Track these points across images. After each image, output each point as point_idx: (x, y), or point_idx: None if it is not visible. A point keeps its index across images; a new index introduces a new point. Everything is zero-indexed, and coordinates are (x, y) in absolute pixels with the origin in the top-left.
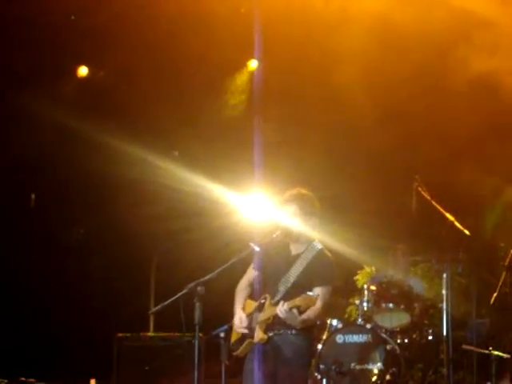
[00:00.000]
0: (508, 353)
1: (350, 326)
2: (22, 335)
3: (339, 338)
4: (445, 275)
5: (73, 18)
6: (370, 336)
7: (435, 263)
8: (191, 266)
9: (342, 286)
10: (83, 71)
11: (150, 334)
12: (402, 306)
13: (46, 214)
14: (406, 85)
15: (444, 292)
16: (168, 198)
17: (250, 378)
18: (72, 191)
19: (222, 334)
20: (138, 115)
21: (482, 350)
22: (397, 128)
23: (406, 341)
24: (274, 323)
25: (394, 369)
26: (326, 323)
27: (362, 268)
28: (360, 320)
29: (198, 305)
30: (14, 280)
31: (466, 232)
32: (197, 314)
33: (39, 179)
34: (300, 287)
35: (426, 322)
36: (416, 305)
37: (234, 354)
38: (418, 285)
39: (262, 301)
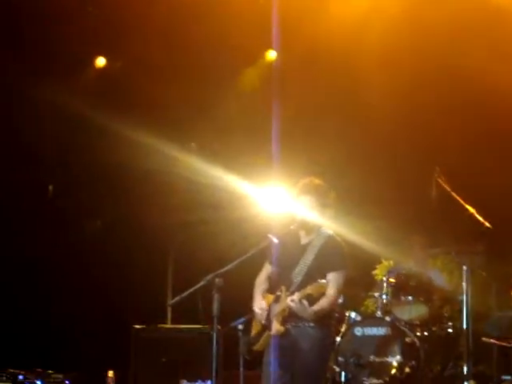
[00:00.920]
0: None
1: (368, 319)
2: (39, 327)
3: (358, 331)
4: (464, 267)
5: (90, 8)
6: (388, 329)
7: (455, 255)
8: (209, 258)
9: (360, 279)
10: (101, 62)
11: (168, 325)
12: (421, 299)
13: (63, 205)
14: (426, 75)
15: (464, 284)
16: (185, 190)
17: (267, 371)
18: (89, 183)
19: (240, 326)
20: (155, 106)
21: (503, 343)
22: (417, 118)
23: (425, 333)
24: (291, 315)
25: (413, 362)
26: (345, 316)
27: (380, 262)
28: (379, 313)
29: (216, 297)
30: (33, 271)
31: (487, 224)
32: (215, 306)
33: (56, 170)
34: (313, 275)
35: (445, 314)
36: (435, 297)
37: (254, 348)
38: (437, 277)
39: (279, 293)
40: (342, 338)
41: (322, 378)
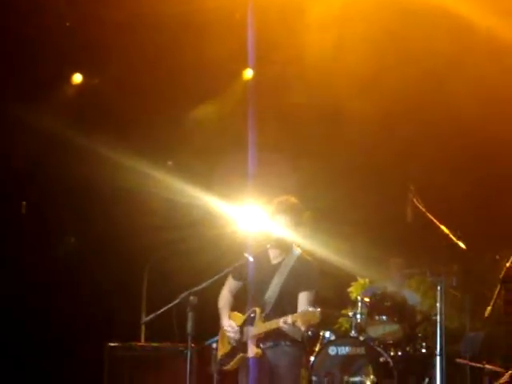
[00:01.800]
0: (502, 367)
1: (342, 338)
2: (13, 344)
3: (332, 350)
4: (439, 288)
5: (68, 24)
6: (363, 348)
7: (429, 276)
8: (184, 276)
9: (334, 296)
10: (77, 78)
11: (142, 343)
12: (396, 319)
13: (37, 222)
14: (405, 93)
15: (438, 305)
16: (161, 208)
17: None
18: (65, 200)
19: (215, 345)
20: (132, 124)
21: (476, 364)
22: (393, 138)
23: (399, 353)
24: (267, 336)
25: (387, 381)
26: (319, 335)
27: (355, 280)
28: (353, 332)
29: (190, 315)
30: (3, 289)
31: (461, 245)
32: (189, 324)
33: (31, 187)
34: (287, 296)
35: (419, 334)
36: (409, 317)
37: (225, 368)
38: (411, 297)
39: (252, 315)
40: (316, 357)
41: None
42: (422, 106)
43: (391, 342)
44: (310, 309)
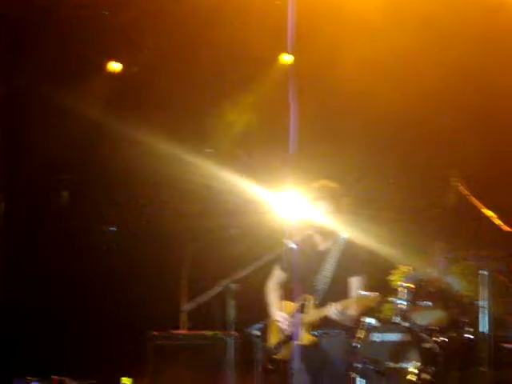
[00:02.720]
0: None
1: (387, 325)
2: (53, 333)
3: (376, 337)
4: (484, 272)
5: (106, 12)
6: (407, 334)
7: (474, 261)
8: (224, 263)
9: (376, 283)
10: (116, 67)
11: (183, 331)
12: (441, 304)
13: (79, 211)
14: (446, 77)
15: (483, 289)
16: (200, 195)
17: (297, 379)
18: (105, 188)
19: (257, 333)
20: (172, 111)
21: None
22: (436, 122)
23: (444, 339)
24: (321, 324)
25: (432, 368)
26: (360, 321)
27: (394, 267)
28: (397, 318)
29: (231, 302)
30: (46, 278)
31: (506, 228)
32: (231, 311)
33: (72, 176)
34: (338, 282)
35: (464, 320)
36: (454, 303)
37: (277, 357)
38: (456, 283)
39: (304, 302)
40: (360, 343)
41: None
42: (464, 93)
43: (436, 328)
44: (367, 293)
